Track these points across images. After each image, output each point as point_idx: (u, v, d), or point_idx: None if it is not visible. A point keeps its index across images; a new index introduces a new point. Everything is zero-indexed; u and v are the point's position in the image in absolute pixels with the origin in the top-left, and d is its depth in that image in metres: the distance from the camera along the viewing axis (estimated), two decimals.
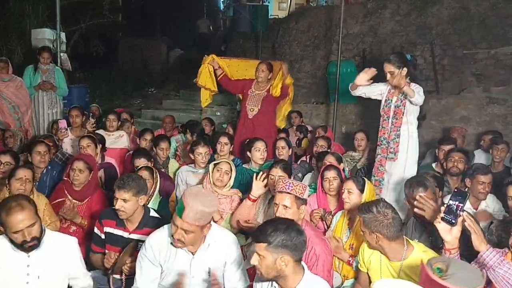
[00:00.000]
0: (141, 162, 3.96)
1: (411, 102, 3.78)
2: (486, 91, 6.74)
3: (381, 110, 4.01)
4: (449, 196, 2.21)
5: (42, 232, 2.36)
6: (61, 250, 2.45)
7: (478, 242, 2.15)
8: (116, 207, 2.79)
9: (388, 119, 3.92)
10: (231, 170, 3.69)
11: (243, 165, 4.50)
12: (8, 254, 2.34)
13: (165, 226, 2.49)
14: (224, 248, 2.47)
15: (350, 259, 3.00)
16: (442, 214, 2.16)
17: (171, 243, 2.42)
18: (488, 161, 4.69)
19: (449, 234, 2.17)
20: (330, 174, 3.51)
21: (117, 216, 2.86)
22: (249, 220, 3.34)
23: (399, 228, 2.42)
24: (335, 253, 2.99)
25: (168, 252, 2.45)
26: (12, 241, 2.30)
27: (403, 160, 3.89)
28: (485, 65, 7.33)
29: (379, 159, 4.01)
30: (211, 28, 15.53)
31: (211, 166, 3.73)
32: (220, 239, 2.48)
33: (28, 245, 2.29)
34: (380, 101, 4.03)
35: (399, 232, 2.44)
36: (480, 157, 4.97)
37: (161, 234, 2.49)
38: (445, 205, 2.16)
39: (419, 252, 2.45)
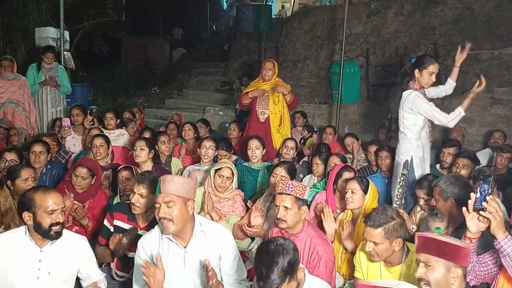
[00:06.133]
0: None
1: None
2: (490, 92, 6.71)
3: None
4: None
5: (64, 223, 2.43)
6: (72, 248, 2.49)
7: (497, 227, 2.08)
8: (132, 200, 2.84)
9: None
10: (233, 174, 3.61)
11: (244, 163, 4.50)
12: (21, 247, 2.37)
13: (156, 227, 2.50)
14: (217, 240, 2.46)
15: (354, 249, 2.98)
16: (473, 204, 2.12)
17: (165, 237, 2.42)
18: (490, 161, 4.67)
19: (475, 226, 2.15)
20: (350, 175, 3.49)
21: (130, 211, 2.90)
22: (252, 226, 3.29)
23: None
24: (344, 238, 3.00)
25: (161, 250, 2.45)
26: (38, 229, 2.32)
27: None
28: (488, 65, 7.31)
29: None
30: (182, 35, 17.20)
31: (212, 171, 3.64)
32: (210, 230, 2.47)
33: (55, 230, 2.33)
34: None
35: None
36: (481, 159, 4.93)
37: (152, 234, 2.50)
38: (474, 196, 2.12)
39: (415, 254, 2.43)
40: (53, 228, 2.32)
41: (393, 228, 2.36)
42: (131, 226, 2.94)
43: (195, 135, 5.34)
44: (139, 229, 2.92)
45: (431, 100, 3.81)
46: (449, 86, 3.99)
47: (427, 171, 3.82)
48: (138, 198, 2.83)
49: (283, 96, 5.17)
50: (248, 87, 5.41)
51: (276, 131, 5.18)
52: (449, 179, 2.86)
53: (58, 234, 2.36)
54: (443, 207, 2.80)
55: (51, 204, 2.31)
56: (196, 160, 4.76)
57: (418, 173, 3.76)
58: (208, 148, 4.25)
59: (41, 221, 2.31)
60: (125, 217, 2.96)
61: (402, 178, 3.72)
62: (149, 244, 2.47)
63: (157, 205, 2.33)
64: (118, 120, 5.33)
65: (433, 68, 3.70)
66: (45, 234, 2.33)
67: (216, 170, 3.60)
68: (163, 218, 2.30)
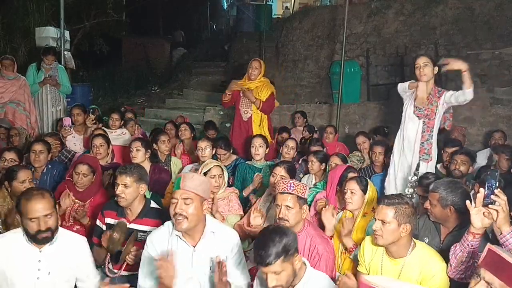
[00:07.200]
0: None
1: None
2: (490, 92, 6.72)
3: (412, 111, 4.00)
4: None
5: (57, 226, 2.40)
6: (72, 247, 2.48)
7: (504, 220, 2.09)
8: (117, 192, 2.86)
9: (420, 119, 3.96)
10: (223, 170, 3.58)
11: (246, 162, 4.50)
12: (21, 248, 2.36)
13: (165, 223, 2.52)
14: (225, 241, 2.48)
15: (353, 247, 2.97)
16: (482, 200, 2.13)
17: (174, 234, 2.44)
18: (490, 161, 4.68)
19: (480, 222, 2.16)
20: (354, 175, 3.48)
21: (119, 206, 2.93)
22: (252, 226, 3.28)
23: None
24: (343, 236, 2.98)
25: (170, 247, 2.46)
26: (26, 233, 2.32)
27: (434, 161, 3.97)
28: (489, 65, 7.31)
29: None
30: (183, 38, 17.36)
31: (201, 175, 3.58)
32: (219, 231, 2.49)
33: (41, 236, 2.31)
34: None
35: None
36: (482, 159, 4.93)
37: (162, 231, 2.51)
38: (483, 192, 2.14)
39: (422, 249, 2.45)
40: (39, 234, 2.30)
41: (404, 212, 2.37)
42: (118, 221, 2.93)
43: (192, 135, 5.36)
44: (128, 223, 2.92)
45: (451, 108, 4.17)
46: (463, 93, 3.88)
47: (401, 175, 4.04)
48: (123, 188, 2.86)
49: (253, 103, 5.09)
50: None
51: (258, 131, 5.10)
52: (449, 186, 2.78)
53: (47, 239, 2.34)
54: (439, 213, 2.76)
55: (32, 212, 2.27)
56: (193, 159, 4.76)
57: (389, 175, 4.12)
58: (204, 149, 4.24)
59: (26, 227, 2.30)
60: (114, 213, 2.98)
61: (414, 178, 3.74)
62: (158, 241, 2.48)
63: (174, 201, 2.35)
64: (123, 121, 5.38)
65: (417, 62, 3.91)
66: (33, 238, 2.32)
67: (205, 173, 3.50)
68: (179, 214, 2.32)
